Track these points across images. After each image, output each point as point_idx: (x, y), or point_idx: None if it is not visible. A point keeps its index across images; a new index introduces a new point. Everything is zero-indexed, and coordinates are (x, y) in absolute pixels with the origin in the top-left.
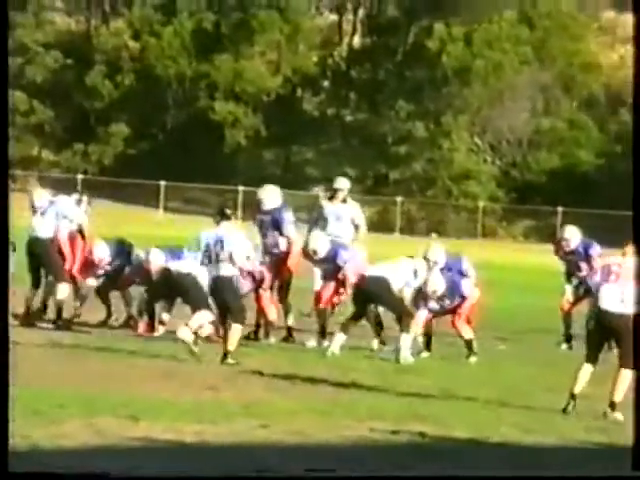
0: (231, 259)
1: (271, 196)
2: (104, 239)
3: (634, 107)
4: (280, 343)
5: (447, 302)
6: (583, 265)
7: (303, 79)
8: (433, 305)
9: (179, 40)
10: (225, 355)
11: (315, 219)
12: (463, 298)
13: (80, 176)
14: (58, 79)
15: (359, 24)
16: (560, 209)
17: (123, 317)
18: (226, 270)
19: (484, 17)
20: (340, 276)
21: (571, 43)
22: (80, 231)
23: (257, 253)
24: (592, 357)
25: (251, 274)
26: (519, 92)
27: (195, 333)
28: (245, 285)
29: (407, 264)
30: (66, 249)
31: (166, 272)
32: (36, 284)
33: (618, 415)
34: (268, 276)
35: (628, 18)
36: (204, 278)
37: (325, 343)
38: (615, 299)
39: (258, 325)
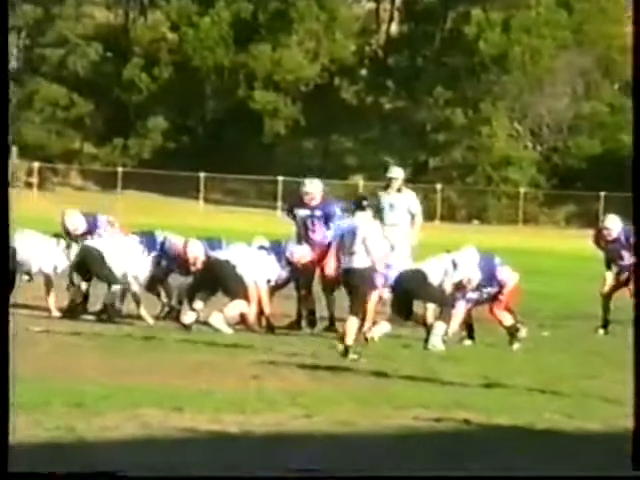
0: (366, 251)
1: (319, 190)
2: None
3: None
4: (323, 332)
5: (485, 291)
6: (625, 253)
7: (341, 68)
8: (470, 295)
9: (217, 30)
10: (346, 350)
11: (372, 207)
12: (501, 286)
13: (120, 169)
14: (98, 72)
15: (396, 11)
16: (602, 194)
17: (158, 308)
18: (359, 262)
19: (522, 2)
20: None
21: (610, 26)
22: None
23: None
24: None
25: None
26: (559, 77)
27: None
28: (379, 278)
29: (446, 258)
30: None
31: (206, 261)
32: (78, 282)
33: None
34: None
35: None
36: (243, 268)
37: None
38: None
39: (300, 315)
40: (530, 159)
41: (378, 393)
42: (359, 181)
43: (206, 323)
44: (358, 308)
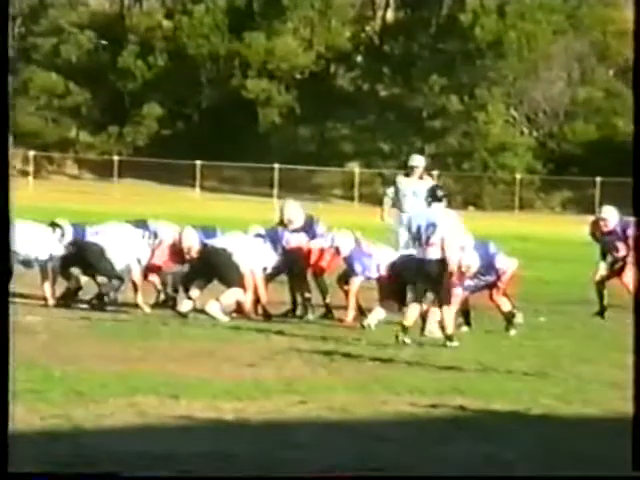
0: (442, 243)
1: (297, 213)
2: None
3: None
4: (318, 319)
5: (482, 278)
6: (620, 245)
7: (336, 55)
8: (468, 282)
9: (211, 18)
10: (450, 339)
11: (391, 194)
12: (499, 272)
13: (116, 158)
14: (93, 60)
15: None
16: (598, 179)
17: (154, 297)
18: (435, 254)
19: None
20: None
21: (606, 10)
22: None
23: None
24: None
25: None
26: (554, 62)
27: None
28: (358, 266)
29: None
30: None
31: (202, 249)
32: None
33: None
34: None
35: None
36: (239, 256)
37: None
38: None
39: (295, 302)
40: (526, 145)
41: (374, 379)
42: (355, 168)
43: (202, 311)
44: (443, 297)
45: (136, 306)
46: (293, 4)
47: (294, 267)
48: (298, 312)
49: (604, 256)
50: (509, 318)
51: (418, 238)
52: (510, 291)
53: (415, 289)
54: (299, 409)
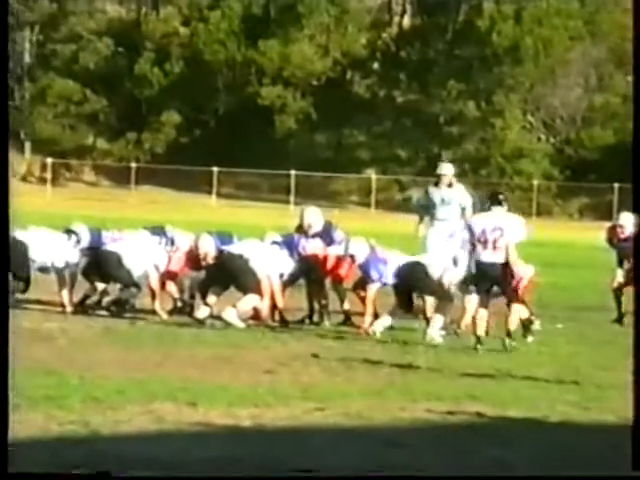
0: (507, 247)
1: (316, 218)
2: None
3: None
4: (335, 326)
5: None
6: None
7: (353, 61)
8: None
9: (227, 24)
10: (507, 334)
11: (423, 205)
12: (516, 280)
13: (134, 164)
14: (110, 67)
15: (408, 4)
16: (616, 185)
17: (171, 302)
18: (501, 257)
19: None
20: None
21: (623, 16)
22: None
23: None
24: None
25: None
26: (571, 68)
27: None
28: (375, 273)
29: (447, 252)
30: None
31: (219, 255)
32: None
33: None
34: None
35: None
36: (256, 262)
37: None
38: None
39: (312, 309)
40: (543, 151)
41: (391, 386)
42: (372, 174)
43: (219, 317)
44: (512, 298)
45: (153, 312)
46: (309, 11)
47: (311, 274)
48: (315, 319)
49: (621, 263)
50: (526, 325)
51: (483, 241)
52: (527, 298)
53: (480, 292)
54: (316, 416)
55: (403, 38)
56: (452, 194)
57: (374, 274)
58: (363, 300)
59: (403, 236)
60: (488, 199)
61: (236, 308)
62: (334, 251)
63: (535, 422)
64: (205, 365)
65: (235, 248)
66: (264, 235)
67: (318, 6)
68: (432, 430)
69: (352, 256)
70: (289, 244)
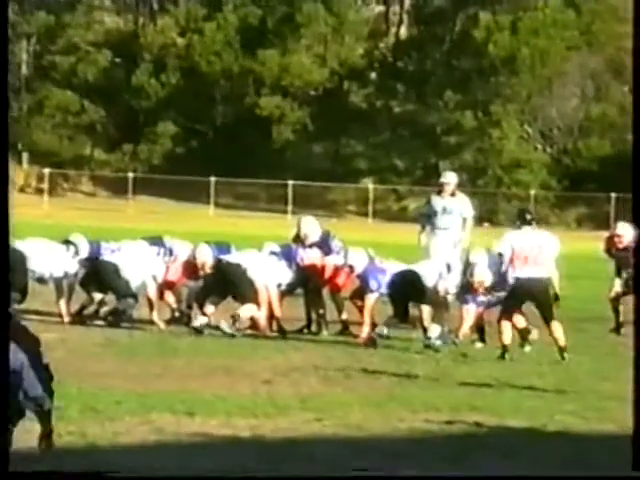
0: (549, 263)
1: (313, 228)
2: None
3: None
4: (334, 336)
5: (497, 294)
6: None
7: (350, 71)
8: (482, 298)
9: (223, 35)
10: (561, 350)
11: (424, 213)
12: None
13: (131, 175)
14: (108, 78)
15: (405, 15)
16: (613, 195)
17: (169, 312)
18: (545, 272)
19: (529, 4)
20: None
21: (619, 26)
22: None
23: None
24: None
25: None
26: (568, 78)
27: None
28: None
29: (441, 261)
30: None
31: (216, 265)
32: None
33: None
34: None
35: None
36: (253, 271)
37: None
38: None
39: (310, 318)
40: (540, 161)
41: (390, 396)
42: (369, 184)
43: (217, 327)
44: (551, 315)
45: (151, 323)
46: (307, 21)
47: (309, 283)
48: (313, 328)
49: (619, 272)
50: (524, 335)
51: (523, 257)
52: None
53: (512, 306)
54: (315, 426)
55: (400, 48)
56: (454, 203)
57: (373, 284)
58: (361, 310)
59: (400, 246)
60: (517, 219)
61: (234, 318)
62: (332, 261)
63: (534, 432)
64: (203, 375)
65: (233, 258)
66: (262, 245)
67: (316, 16)
68: (431, 440)
69: (351, 266)
70: (287, 254)
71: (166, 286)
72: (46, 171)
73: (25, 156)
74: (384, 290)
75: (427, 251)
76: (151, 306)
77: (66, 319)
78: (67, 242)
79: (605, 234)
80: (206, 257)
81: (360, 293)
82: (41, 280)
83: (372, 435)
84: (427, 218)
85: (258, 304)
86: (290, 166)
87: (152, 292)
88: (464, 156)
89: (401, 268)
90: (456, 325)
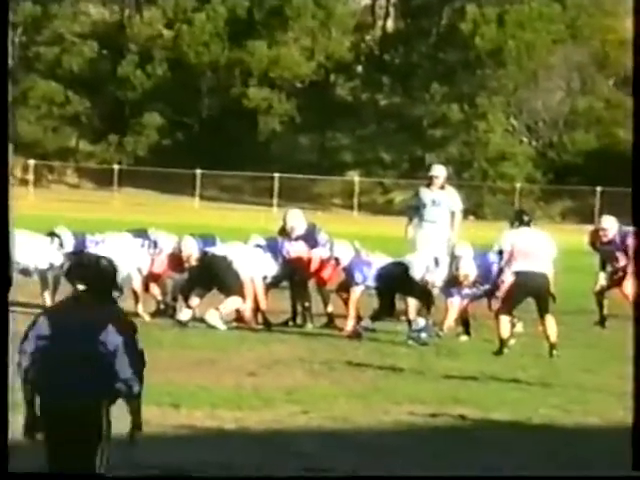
0: (548, 260)
1: (299, 220)
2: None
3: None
4: (319, 329)
5: (481, 287)
6: (620, 255)
7: (337, 64)
8: (466, 291)
9: (212, 26)
10: (551, 347)
11: (413, 206)
12: (497, 282)
13: (116, 167)
14: (94, 69)
15: (392, 7)
16: (599, 189)
17: (154, 305)
18: (541, 267)
19: None
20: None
21: (605, 19)
22: None
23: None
24: None
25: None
26: (554, 71)
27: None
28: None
29: (428, 252)
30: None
31: (202, 257)
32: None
33: None
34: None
35: None
36: (239, 264)
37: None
38: None
39: (296, 311)
40: (526, 154)
41: (374, 389)
42: (355, 177)
43: (202, 320)
44: (547, 309)
45: (136, 315)
46: (295, 14)
47: (295, 276)
48: (298, 321)
49: (604, 266)
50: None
51: (524, 253)
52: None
53: (515, 302)
54: (300, 419)
55: (387, 41)
56: (443, 196)
57: (358, 277)
58: (346, 302)
59: (386, 238)
60: (515, 220)
61: (219, 310)
62: (318, 253)
63: (518, 425)
64: (189, 368)
65: (218, 250)
66: (248, 238)
67: (305, 10)
68: (415, 433)
69: (337, 259)
70: (273, 247)
71: (151, 278)
72: (31, 162)
73: (10, 147)
74: (370, 283)
75: (414, 244)
76: (136, 298)
77: None
78: (52, 234)
79: (590, 228)
80: (191, 249)
81: (346, 286)
82: (25, 272)
83: (357, 427)
84: (415, 210)
85: (243, 296)
86: (276, 158)
87: (137, 284)
88: (450, 149)
89: (387, 261)
90: (441, 318)
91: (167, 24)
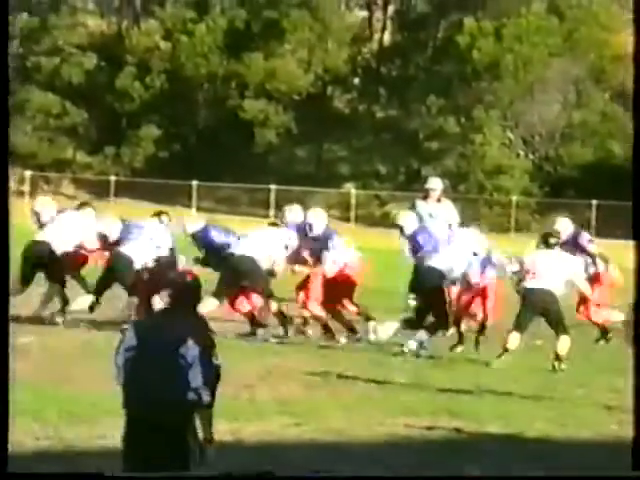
0: (560, 281)
1: (319, 220)
2: None
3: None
4: (314, 340)
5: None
6: (577, 254)
7: (334, 77)
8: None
9: (211, 38)
10: (556, 358)
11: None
12: (470, 285)
13: (113, 178)
14: (91, 81)
15: (389, 20)
16: (594, 202)
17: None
18: (552, 286)
19: (513, 11)
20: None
21: (601, 34)
22: None
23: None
24: None
25: None
26: (550, 85)
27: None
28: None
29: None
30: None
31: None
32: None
33: None
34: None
35: None
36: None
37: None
38: None
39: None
40: (522, 167)
41: (369, 401)
42: (351, 189)
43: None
44: (562, 328)
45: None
46: (292, 27)
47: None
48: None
49: None
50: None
51: (537, 271)
52: (489, 307)
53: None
54: (294, 431)
55: (383, 54)
56: (440, 209)
57: None
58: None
59: (382, 251)
60: (542, 243)
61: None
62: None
63: (512, 438)
64: None
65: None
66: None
67: (302, 22)
68: (410, 445)
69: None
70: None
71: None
72: (27, 173)
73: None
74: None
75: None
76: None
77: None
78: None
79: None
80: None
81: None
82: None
83: (351, 439)
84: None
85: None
86: (272, 170)
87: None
88: (446, 162)
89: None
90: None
91: (165, 36)
